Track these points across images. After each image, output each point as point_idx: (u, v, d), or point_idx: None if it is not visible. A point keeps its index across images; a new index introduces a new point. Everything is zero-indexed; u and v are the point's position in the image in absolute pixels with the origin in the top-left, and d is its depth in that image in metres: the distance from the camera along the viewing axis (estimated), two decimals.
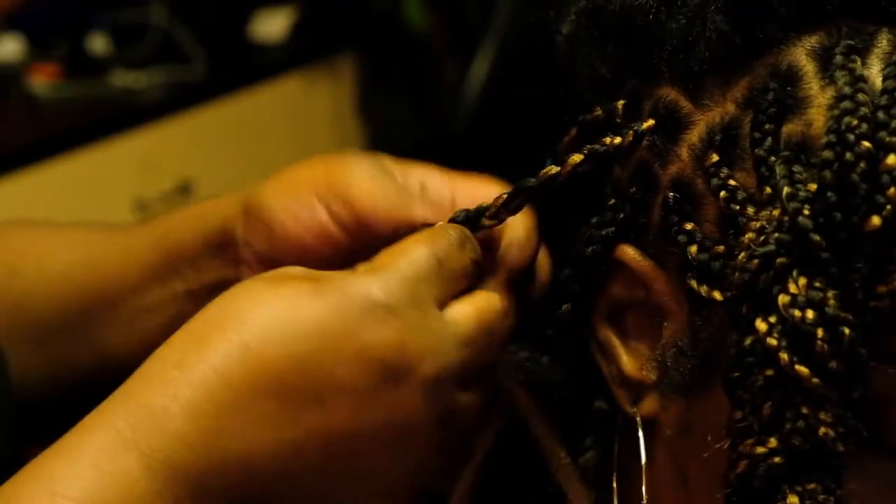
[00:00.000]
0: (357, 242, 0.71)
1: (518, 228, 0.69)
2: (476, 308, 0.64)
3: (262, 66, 2.86)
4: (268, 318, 0.60)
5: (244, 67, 2.86)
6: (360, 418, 0.60)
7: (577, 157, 0.66)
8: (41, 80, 2.64)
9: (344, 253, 0.71)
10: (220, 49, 2.80)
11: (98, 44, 2.77)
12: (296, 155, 2.49)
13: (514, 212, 0.67)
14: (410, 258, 0.63)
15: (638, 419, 0.68)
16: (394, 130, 2.93)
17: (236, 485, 0.59)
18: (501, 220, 0.67)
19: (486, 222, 0.67)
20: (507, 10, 2.60)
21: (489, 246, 0.68)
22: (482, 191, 0.70)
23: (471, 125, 2.64)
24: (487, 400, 0.66)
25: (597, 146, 0.67)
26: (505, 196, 0.67)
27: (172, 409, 0.58)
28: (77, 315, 0.84)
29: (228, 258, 0.76)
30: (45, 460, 0.58)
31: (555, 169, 0.67)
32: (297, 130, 2.87)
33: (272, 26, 2.90)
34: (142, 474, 0.57)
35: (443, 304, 0.63)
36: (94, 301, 0.83)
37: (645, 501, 0.69)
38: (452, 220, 0.67)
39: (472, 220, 0.67)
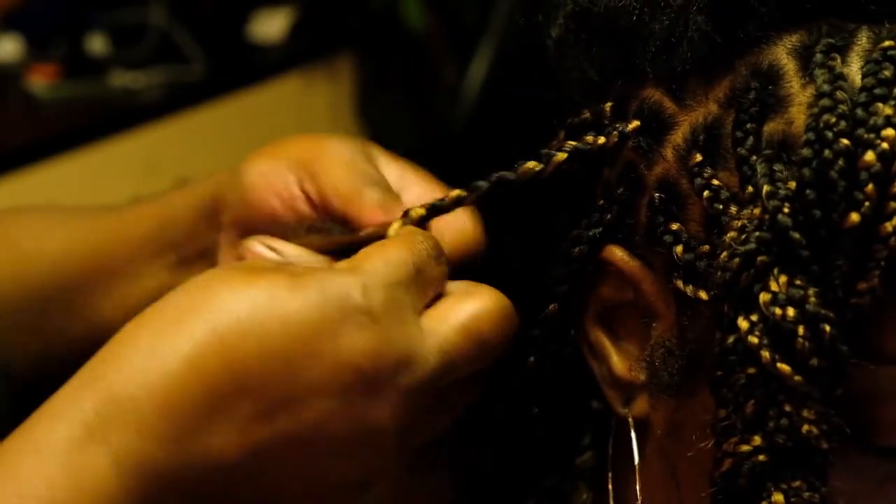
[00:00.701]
0: (323, 219, 0.72)
1: (464, 221, 0.69)
2: (461, 316, 0.63)
3: (260, 67, 2.86)
4: (244, 308, 0.58)
5: (243, 68, 2.86)
6: (328, 423, 0.59)
7: (561, 155, 0.67)
8: (40, 81, 2.64)
9: (309, 227, 0.72)
10: (218, 49, 2.80)
11: (97, 44, 2.77)
12: None
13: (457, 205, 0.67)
14: (391, 263, 0.62)
15: (630, 420, 0.69)
16: (392, 130, 2.93)
17: (204, 482, 0.58)
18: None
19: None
20: (506, 11, 2.60)
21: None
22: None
23: (469, 125, 2.64)
24: (458, 413, 0.65)
25: (580, 144, 0.67)
26: (456, 195, 0.67)
27: (143, 400, 0.57)
28: (74, 286, 0.84)
29: (215, 224, 0.77)
30: (10, 455, 0.57)
31: (538, 166, 0.67)
32: (296, 130, 2.84)
33: (271, 26, 2.90)
34: (111, 471, 0.56)
35: (419, 313, 0.62)
36: (91, 271, 0.84)
37: (640, 502, 0.69)
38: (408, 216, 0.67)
39: (428, 217, 0.67)
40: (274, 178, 0.72)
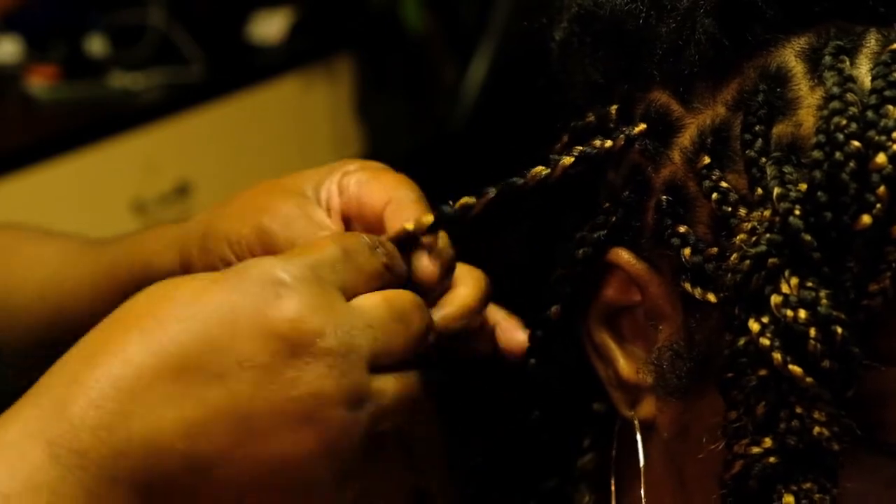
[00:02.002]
0: None
1: (468, 284, 0.69)
2: (384, 296, 0.63)
3: (260, 68, 2.86)
4: (169, 305, 0.60)
5: (242, 68, 2.85)
6: (263, 395, 0.59)
7: (568, 160, 0.67)
8: (39, 82, 2.64)
9: None
10: (218, 50, 2.80)
11: (96, 45, 2.77)
12: (294, 155, 2.51)
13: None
14: (316, 246, 0.63)
15: (636, 422, 0.68)
16: (391, 131, 2.93)
17: (143, 468, 0.58)
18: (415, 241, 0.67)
19: (424, 239, 0.67)
20: (505, 11, 2.60)
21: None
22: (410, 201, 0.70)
23: (468, 126, 2.64)
24: (413, 398, 0.64)
25: (587, 148, 0.67)
26: (464, 202, 0.67)
27: (75, 395, 0.58)
28: (46, 334, 0.85)
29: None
30: None
31: (545, 170, 0.67)
32: (295, 131, 2.87)
33: (270, 27, 2.90)
34: (48, 461, 0.57)
35: (349, 295, 0.62)
36: (62, 322, 0.84)
37: None
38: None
39: (436, 225, 0.67)
40: (234, 238, 0.71)
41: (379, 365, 0.62)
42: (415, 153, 2.82)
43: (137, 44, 2.77)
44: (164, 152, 2.58)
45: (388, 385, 0.62)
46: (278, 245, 0.69)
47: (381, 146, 2.92)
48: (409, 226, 0.67)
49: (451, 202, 0.67)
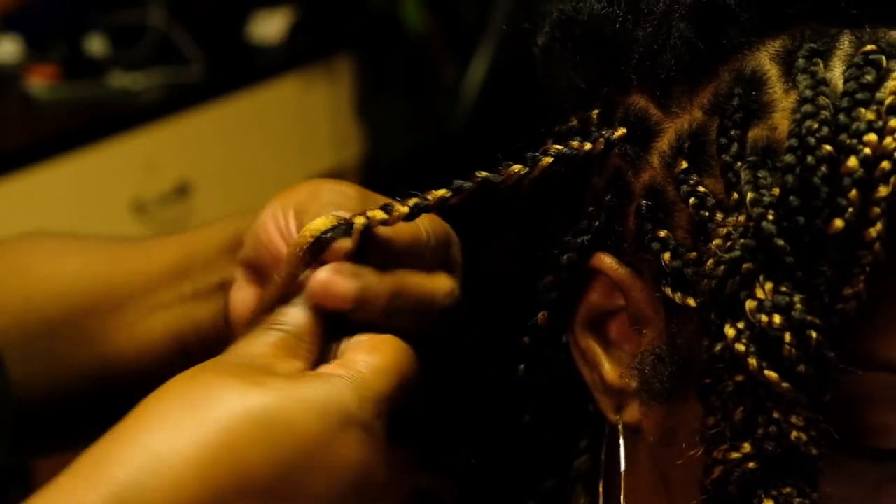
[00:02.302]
0: None
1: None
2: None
3: (259, 68, 2.86)
4: (244, 412, 0.59)
5: (242, 68, 2.86)
6: None
7: (546, 160, 0.66)
8: (39, 82, 2.64)
9: None
10: (217, 50, 2.80)
11: (96, 45, 2.77)
12: (294, 156, 2.51)
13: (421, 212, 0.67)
14: (384, 376, 0.63)
15: (620, 426, 0.68)
16: (391, 131, 2.93)
17: None
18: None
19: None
20: (504, 11, 2.60)
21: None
22: None
23: (468, 125, 2.64)
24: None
25: (565, 149, 0.67)
26: (440, 194, 0.67)
27: (152, 502, 0.57)
28: (85, 313, 0.84)
29: (234, 260, 0.76)
30: None
31: (523, 169, 0.67)
32: (295, 131, 2.87)
33: (270, 27, 2.90)
34: None
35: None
36: (103, 299, 0.84)
37: None
38: (362, 225, 0.66)
39: (412, 215, 0.67)
40: (279, 220, 0.72)
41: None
42: (415, 153, 2.82)
43: (137, 44, 2.77)
44: (164, 152, 2.58)
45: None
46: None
47: (380, 146, 2.92)
48: (383, 215, 0.67)
49: (426, 194, 0.67)
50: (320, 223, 0.66)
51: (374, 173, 2.88)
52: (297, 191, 0.73)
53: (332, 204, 0.70)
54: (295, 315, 0.65)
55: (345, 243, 0.65)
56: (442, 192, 0.67)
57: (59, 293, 0.85)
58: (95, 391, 0.65)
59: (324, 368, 0.64)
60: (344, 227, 0.66)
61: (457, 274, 0.71)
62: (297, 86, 2.87)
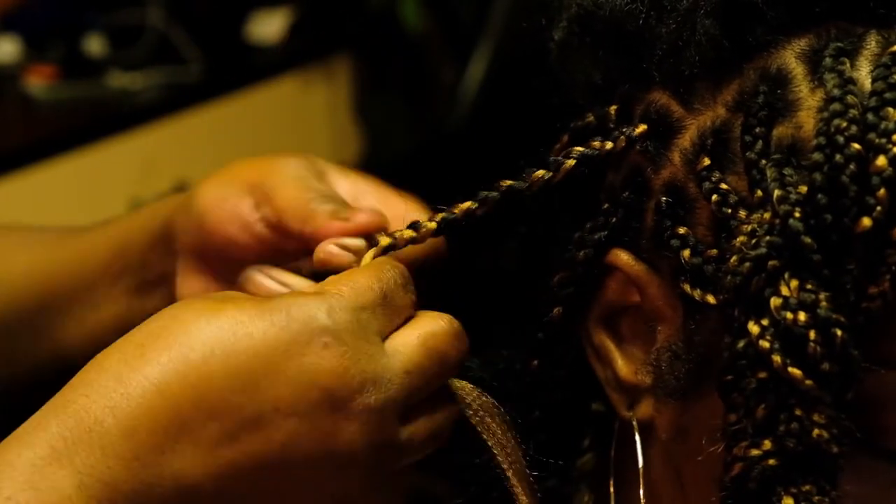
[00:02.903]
0: (282, 241, 0.72)
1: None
2: (421, 338, 0.63)
3: (258, 68, 2.86)
4: (210, 333, 0.59)
5: (240, 68, 2.85)
6: (296, 443, 0.59)
7: (570, 162, 0.66)
8: (37, 82, 2.64)
9: (271, 249, 0.73)
10: (216, 50, 2.80)
11: (94, 45, 2.77)
12: None
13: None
14: (358, 288, 0.62)
15: (634, 423, 0.68)
16: (390, 131, 2.93)
17: (169, 502, 0.57)
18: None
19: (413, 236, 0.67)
20: (503, 11, 2.60)
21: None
22: (409, 210, 0.71)
23: (467, 126, 2.64)
24: (443, 431, 0.65)
25: (588, 150, 0.67)
26: (467, 206, 0.67)
27: (108, 422, 0.57)
28: (36, 312, 0.85)
29: (170, 250, 0.77)
30: None
31: (547, 174, 0.67)
32: (293, 131, 2.87)
33: (268, 27, 2.90)
34: (74, 491, 0.56)
35: (384, 337, 0.62)
36: (51, 298, 0.84)
37: None
38: (387, 244, 0.67)
39: (440, 230, 0.67)
40: (228, 203, 0.73)
41: (413, 407, 0.62)
42: (413, 153, 2.82)
43: (136, 44, 2.77)
44: (162, 152, 2.58)
45: (419, 431, 0.63)
46: (273, 201, 0.70)
47: (379, 146, 2.91)
48: (411, 233, 0.67)
49: (453, 208, 0.67)
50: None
51: (372, 173, 2.88)
52: (237, 173, 0.74)
53: (297, 178, 0.71)
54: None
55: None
56: (468, 203, 0.67)
57: (8, 294, 0.86)
58: (54, 383, 0.65)
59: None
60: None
61: None
62: (295, 86, 2.87)
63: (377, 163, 2.88)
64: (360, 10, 2.93)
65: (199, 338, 0.59)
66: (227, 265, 0.74)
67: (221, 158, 2.56)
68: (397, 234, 0.67)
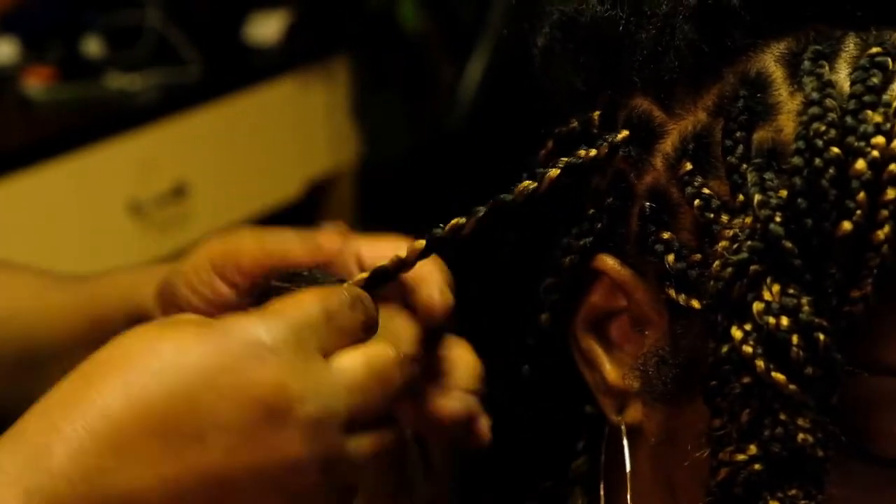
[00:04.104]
0: (253, 301, 0.73)
1: (432, 288, 0.71)
2: (365, 355, 0.63)
3: (256, 69, 2.86)
4: (151, 357, 0.60)
5: (239, 69, 2.85)
6: (239, 457, 0.59)
7: (554, 172, 0.66)
8: (35, 83, 2.63)
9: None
10: (214, 51, 2.80)
11: (92, 46, 2.77)
12: (291, 156, 2.51)
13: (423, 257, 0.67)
14: (299, 307, 0.63)
15: (622, 427, 0.68)
16: (389, 132, 2.93)
17: None
18: (409, 268, 0.68)
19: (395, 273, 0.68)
20: (502, 12, 2.60)
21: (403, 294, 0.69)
22: (385, 250, 0.71)
23: (466, 127, 2.64)
24: (388, 450, 0.65)
25: (572, 159, 0.67)
26: (454, 223, 0.67)
27: (54, 445, 0.58)
28: (11, 366, 0.87)
29: None
30: None
31: (533, 184, 0.66)
32: (292, 132, 2.87)
33: (267, 28, 2.90)
34: None
35: (326, 354, 0.63)
36: (32, 350, 0.86)
37: None
38: (368, 278, 0.67)
39: (381, 276, 0.67)
40: (200, 284, 0.75)
41: (357, 424, 0.62)
42: (412, 153, 2.82)
43: (134, 45, 2.77)
44: (160, 153, 2.58)
45: (364, 445, 0.63)
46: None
47: (378, 146, 2.92)
48: (402, 253, 0.67)
49: (441, 225, 0.67)
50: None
51: (371, 173, 2.88)
52: (203, 250, 0.76)
53: (254, 235, 0.74)
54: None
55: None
56: (455, 220, 0.67)
57: None
58: None
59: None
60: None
61: None
62: (294, 86, 2.87)
63: (376, 163, 2.88)
64: (359, 11, 2.93)
65: (140, 361, 0.60)
66: None
67: (220, 159, 2.57)
68: (387, 266, 0.67)
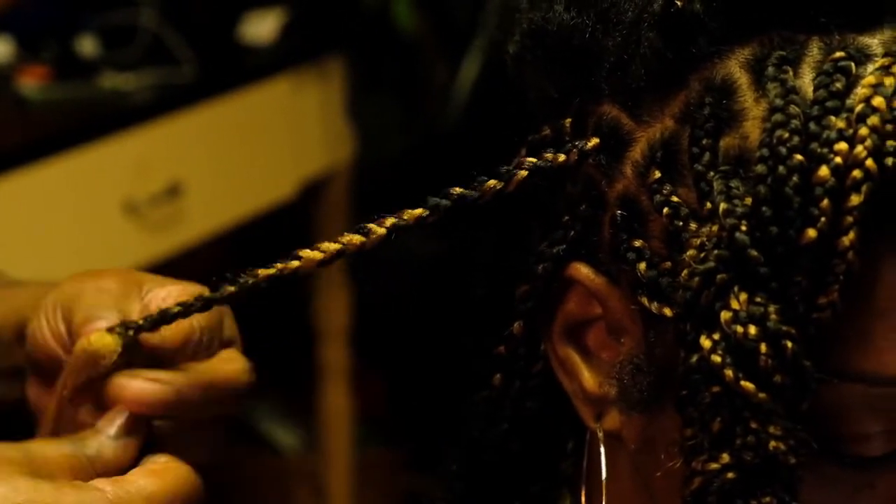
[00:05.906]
0: None
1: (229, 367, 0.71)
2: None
3: (251, 68, 2.85)
4: None
5: (234, 69, 2.85)
6: None
7: (521, 173, 0.66)
8: (30, 82, 2.63)
9: None
10: (209, 51, 2.79)
11: (87, 46, 2.77)
12: (285, 156, 2.51)
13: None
14: (150, 501, 0.64)
15: (600, 434, 0.68)
16: (383, 132, 2.93)
17: None
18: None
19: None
20: (497, 12, 2.60)
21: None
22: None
23: (460, 127, 2.64)
24: None
25: (539, 162, 0.66)
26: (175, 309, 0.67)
27: None
28: None
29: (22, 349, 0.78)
30: None
31: (499, 184, 0.66)
32: (286, 132, 2.87)
33: (262, 28, 2.89)
34: None
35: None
36: None
37: None
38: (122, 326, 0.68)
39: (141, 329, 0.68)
40: (51, 322, 0.74)
41: None
42: (407, 153, 2.82)
43: (129, 44, 2.76)
44: (155, 153, 2.58)
45: None
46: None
47: (372, 146, 2.91)
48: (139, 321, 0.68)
49: (402, 214, 0.66)
50: (93, 339, 0.67)
51: (366, 173, 2.88)
52: (63, 289, 0.74)
53: (93, 306, 0.71)
54: (102, 444, 0.67)
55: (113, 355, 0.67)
56: (419, 211, 0.66)
57: None
58: None
59: (97, 482, 0.65)
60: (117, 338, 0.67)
61: (238, 344, 0.73)
62: (288, 86, 2.87)
63: (370, 163, 2.88)
64: (353, 11, 2.93)
65: None
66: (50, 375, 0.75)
67: (214, 159, 2.57)
68: (128, 324, 0.68)
